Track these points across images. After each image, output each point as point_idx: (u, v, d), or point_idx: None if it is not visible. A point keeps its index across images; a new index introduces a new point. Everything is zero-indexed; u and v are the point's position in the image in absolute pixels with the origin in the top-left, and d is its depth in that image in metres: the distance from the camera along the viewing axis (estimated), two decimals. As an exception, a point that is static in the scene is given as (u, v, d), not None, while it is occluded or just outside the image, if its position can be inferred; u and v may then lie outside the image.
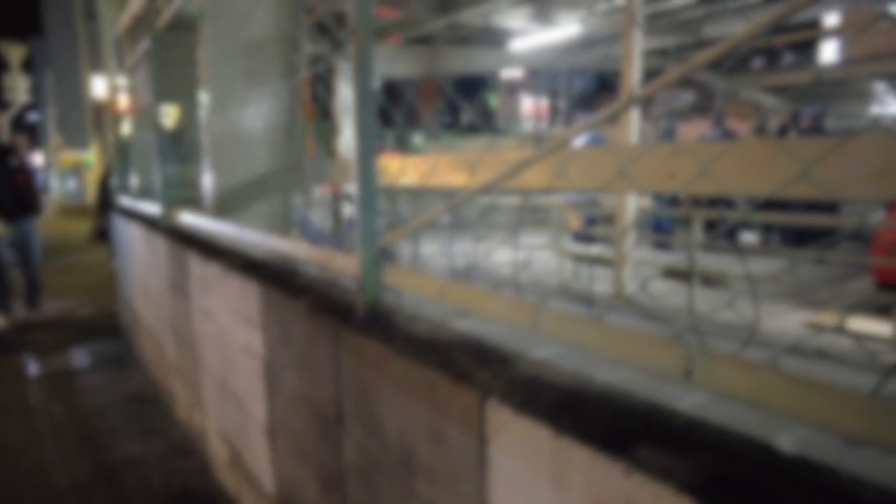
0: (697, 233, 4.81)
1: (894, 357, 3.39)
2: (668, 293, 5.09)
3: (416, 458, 1.07)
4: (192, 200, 3.21)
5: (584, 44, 10.10)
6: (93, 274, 8.23)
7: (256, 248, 2.25)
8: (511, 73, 14.90)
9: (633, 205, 4.99)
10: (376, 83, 1.30)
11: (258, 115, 2.64)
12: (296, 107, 2.72)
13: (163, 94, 3.47)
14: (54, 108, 27.87)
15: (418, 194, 1.57)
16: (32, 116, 37.54)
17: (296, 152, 2.68)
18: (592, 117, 1.01)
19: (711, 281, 5.10)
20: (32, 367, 4.37)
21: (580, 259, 6.27)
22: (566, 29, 8.98)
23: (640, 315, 4.24)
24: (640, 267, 5.54)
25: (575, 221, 6.86)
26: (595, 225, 6.99)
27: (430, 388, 1.01)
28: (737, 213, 5.38)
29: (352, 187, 1.34)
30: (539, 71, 13.82)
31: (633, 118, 4.75)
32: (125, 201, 5.09)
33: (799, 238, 6.18)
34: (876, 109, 11.26)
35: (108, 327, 5.34)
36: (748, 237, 7.69)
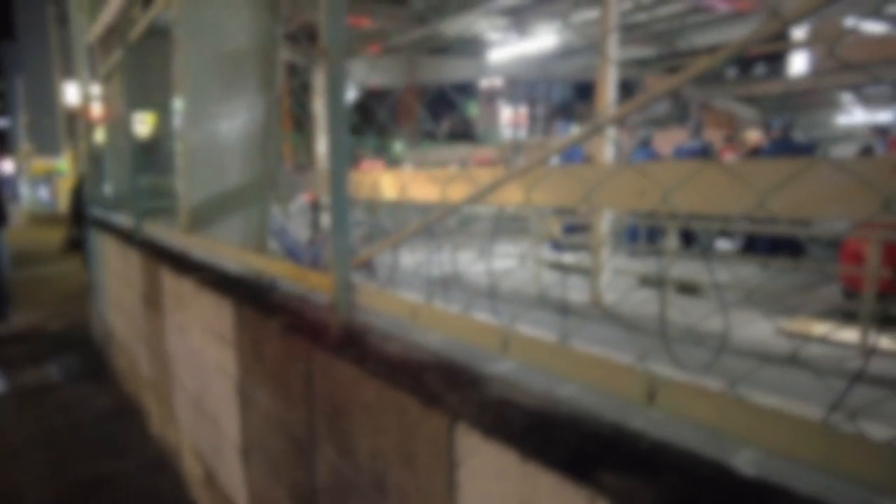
0: (673, 242, 4.88)
1: (861, 362, 3.48)
2: (643, 302, 5.16)
3: (389, 480, 1.07)
4: (168, 211, 3.17)
5: (562, 54, 10.23)
6: (65, 285, 8.06)
7: (231, 262, 2.23)
8: (490, 82, 15.02)
9: (608, 216, 5.05)
10: (350, 97, 1.31)
11: (234, 126, 2.62)
12: (273, 118, 2.70)
13: (137, 103, 3.42)
14: (25, 114, 27.30)
15: (397, 205, 1.57)
16: (1, 122, 36.68)
17: (272, 164, 2.66)
18: (568, 128, 1.03)
19: (688, 289, 5.18)
20: (0, 383, 4.26)
21: (558, 268, 6.32)
22: (543, 39, 9.08)
23: (616, 324, 4.28)
24: (617, 276, 5.60)
25: (554, 230, 6.92)
26: (573, 234, 7.06)
27: (402, 410, 1.01)
28: (711, 223, 5.48)
29: (327, 198, 1.34)
30: (517, 80, 13.95)
31: (609, 130, 4.81)
32: (98, 212, 5.00)
33: (772, 247, 6.31)
34: (842, 119, 11.58)
35: (80, 340, 5.22)
36: (723, 245, 7.82)
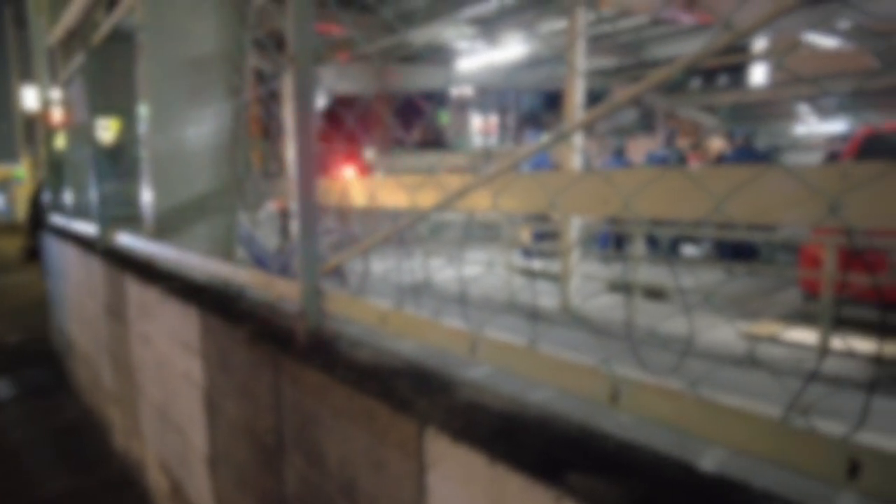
0: (639, 248, 4.98)
1: (820, 363, 3.59)
2: (611, 306, 5.24)
3: (358, 486, 1.07)
4: (132, 220, 3.09)
5: (530, 64, 10.37)
6: (23, 296, 7.78)
7: (197, 270, 2.19)
8: (461, 91, 15.12)
9: (577, 223, 5.13)
10: (322, 101, 1.31)
11: (201, 133, 2.58)
12: (241, 124, 2.67)
13: (100, 109, 3.34)
14: (-19, 119, 26.33)
15: (368, 213, 1.57)
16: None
17: (241, 170, 2.63)
18: (538, 137, 1.04)
19: (655, 294, 5.28)
20: (-47, 399, 4.09)
21: (528, 274, 6.37)
22: (512, 49, 9.20)
23: (584, 328, 4.34)
24: (586, 281, 5.67)
25: (524, 237, 6.98)
26: (544, 241, 7.14)
27: (371, 416, 1.01)
28: (677, 229, 5.61)
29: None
30: (487, 89, 14.07)
31: (577, 137, 4.89)
32: (59, 220, 4.85)
33: (735, 252, 6.49)
34: (800, 129, 11.99)
35: (39, 353, 5.05)
36: (689, 251, 8.01)
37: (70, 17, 3.47)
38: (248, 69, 2.62)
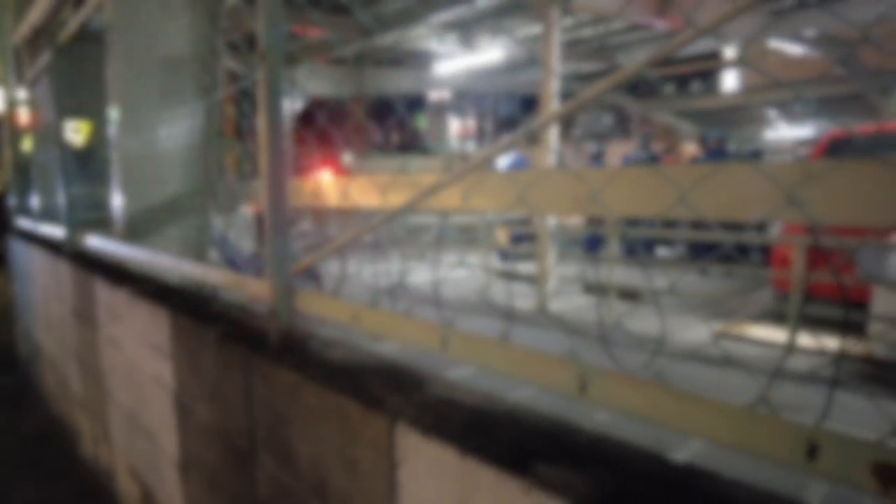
0: (615, 249, 5.03)
1: (786, 359, 3.67)
2: (586, 307, 5.29)
3: (330, 486, 1.06)
4: (102, 223, 3.03)
5: (508, 68, 10.44)
6: (-12, 302, 7.55)
7: (169, 273, 2.15)
8: (439, 94, 15.15)
9: (552, 224, 5.16)
10: (299, 104, 1.30)
11: (172, 135, 2.54)
12: (214, 126, 2.64)
13: (68, 109, 3.27)
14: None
15: (344, 216, 1.56)
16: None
17: (212, 174, 2.60)
18: (510, 138, 1.05)
19: (631, 295, 5.34)
20: (-87, 408, 3.94)
21: (505, 276, 6.40)
22: (489, 53, 9.25)
23: (558, 329, 4.37)
24: (565, 283, 5.72)
25: (502, 239, 7.01)
26: (521, 243, 7.18)
27: (343, 414, 1.00)
28: (650, 231, 5.69)
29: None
30: (465, 93, 14.13)
31: (552, 141, 4.94)
32: (25, 223, 4.73)
33: (708, 253, 6.61)
34: (770, 134, 12.29)
35: (4, 360, 4.90)
36: (663, 252, 8.13)
37: (36, 14, 3.39)
38: (222, 69, 2.58)
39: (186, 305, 1.64)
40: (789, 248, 4.40)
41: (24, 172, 5.01)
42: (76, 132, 3.78)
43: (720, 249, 6.51)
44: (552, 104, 5.03)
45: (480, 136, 16.40)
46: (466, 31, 8.72)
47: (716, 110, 12.71)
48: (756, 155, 7.81)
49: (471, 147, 15.92)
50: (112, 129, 2.50)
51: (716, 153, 7.32)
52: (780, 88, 10.11)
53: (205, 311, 1.57)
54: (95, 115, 3.40)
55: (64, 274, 3.00)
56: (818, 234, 2.78)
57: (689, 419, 0.67)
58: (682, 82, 14.07)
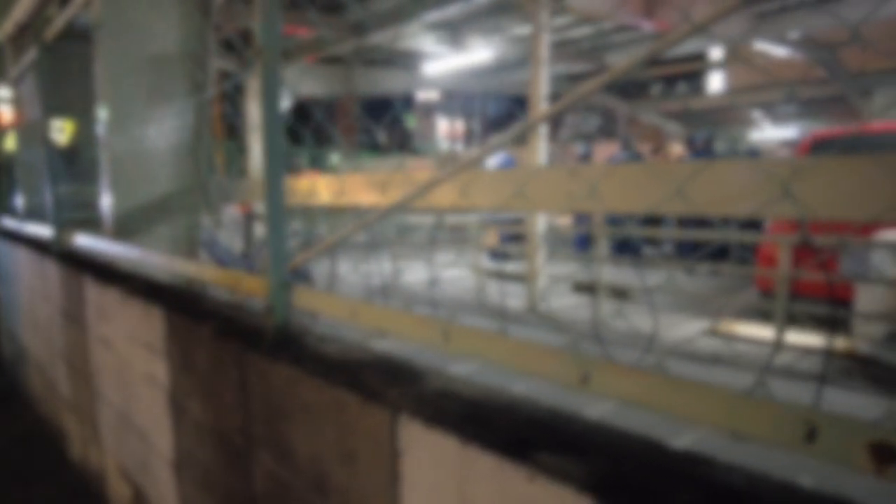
0: (603, 248, 5.07)
1: (773, 355, 3.72)
2: (576, 306, 5.32)
3: (329, 480, 1.06)
4: (90, 223, 3.00)
5: (497, 69, 10.47)
6: (-30, 304, 7.43)
7: (160, 271, 2.14)
8: (427, 95, 15.16)
9: (542, 223, 5.19)
10: (287, 103, 1.30)
11: (161, 133, 2.52)
12: (203, 124, 2.62)
13: (54, 108, 3.23)
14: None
15: (334, 213, 1.56)
16: None
17: (202, 172, 2.58)
18: (500, 138, 1.06)
19: (620, 294, 5.38)
20: None
21: (496, 276, 6.42)
22: (478, 54, 9.28)
23: (550, 327, 4.40)
24: (552, 282, 5.75)
25: (492, 239, 7.03)
26: (511, 243, 7.21)
27: (341, 408, 1.01)
28: (638, 230, 5.74)
29: (262, 207, 1.31)
30: (454, 94, 14.15)
31: (541, 142, 4.97)
32: (10, 223, 4.66)
33: (695, 252, 6.68)
34: (755, 134, 12.44)
35: (-12, 362, 4.83)
36: (650, 251, 8.20)
37: (20, 11, 3.35)
38: (212, 66, 2.57)
39: (180, 302, 1.63)
40: (775, 247, 4.46)
41: (6, 171, 4.94)
42: (60, 131, 3.74)
43: (707, 248, 6.58)
44: (541, 105, 5.06)
45: (469, 137, 16.43)
46: (455, 30, 8.74)
47: (702, 111, 12.86)
48: (754, 155, 7.93)
49: (459, 149, 15.96)
50: (100, 128, 2.48)
51: (702, 153, 7.40)
52: (765, 90, 10.25)
53: (199, 307, 1.57)
54: (82, 113, 3.36)
55: (51, 274, 2.97)
56: (806, 230, 2.82)
57: (690, 406, 0.69)
58: (669, 83, 14.21)
